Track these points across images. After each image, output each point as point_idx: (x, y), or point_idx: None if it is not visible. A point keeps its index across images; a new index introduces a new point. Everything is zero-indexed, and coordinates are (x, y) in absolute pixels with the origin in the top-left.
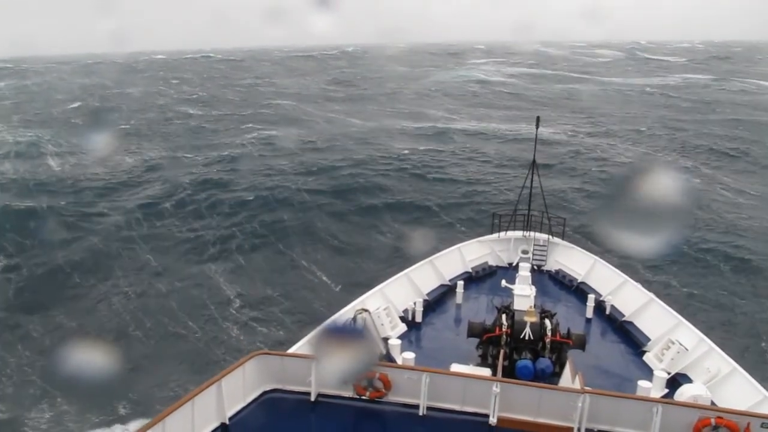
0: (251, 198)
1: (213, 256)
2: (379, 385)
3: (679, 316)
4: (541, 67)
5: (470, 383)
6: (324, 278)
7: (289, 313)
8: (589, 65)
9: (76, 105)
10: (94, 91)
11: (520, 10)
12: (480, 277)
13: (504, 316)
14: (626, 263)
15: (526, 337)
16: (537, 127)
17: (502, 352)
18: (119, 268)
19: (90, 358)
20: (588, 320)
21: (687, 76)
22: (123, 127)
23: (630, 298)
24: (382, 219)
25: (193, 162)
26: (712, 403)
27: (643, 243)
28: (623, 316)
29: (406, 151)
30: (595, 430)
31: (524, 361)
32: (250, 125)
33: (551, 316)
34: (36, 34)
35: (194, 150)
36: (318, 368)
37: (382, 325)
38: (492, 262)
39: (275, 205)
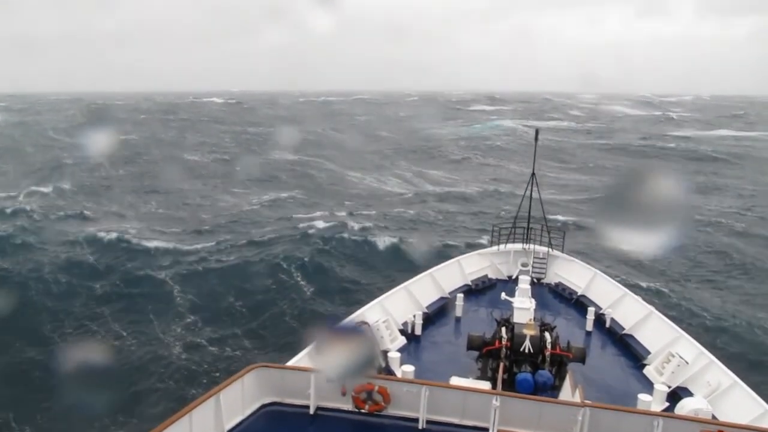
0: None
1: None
2: (378, 398)
3: (680, 329)
4: (561, 120)
5: (470, 396)
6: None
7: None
8: (615, 119)
9: (63, 145)
10: (91, 134)
11: (523, 65)
12: (479, 290)
13: (504, 329)
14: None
15: (526, 350)
16: (536, 140)
17: (501, 365)
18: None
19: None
20: (588, 333)
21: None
22: (110, 179)
23: (630, 311)
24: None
25: (176, 214)
26: (713, 416)
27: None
28: (623, 329)
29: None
30: None
31: (524, 374)
32: (243, 171)
33: (551, 329)
34: (49, 71)
35: (178, 205)
36: (317, 381)
37: (382, 337)
38: (491, 275)
39: (271, 249)
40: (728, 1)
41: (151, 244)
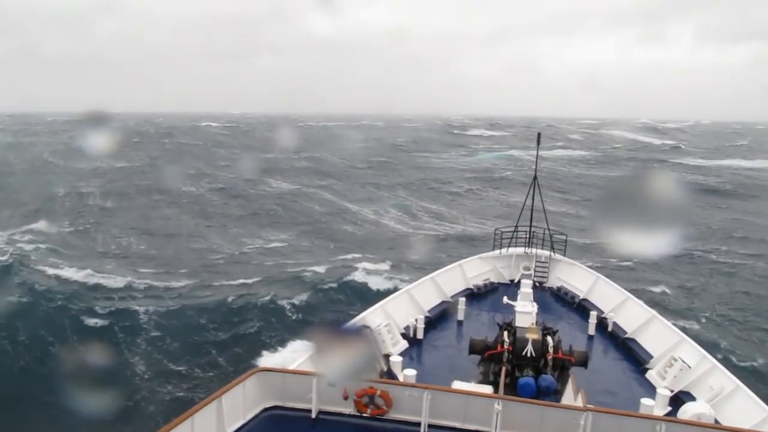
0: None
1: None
2: (380, 402)
3: (682, 334)
4: (565, 147)
5: (472, 401)
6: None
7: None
8: (618, 146)
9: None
10: (85, 159)
11: (523, 89)
12: (482, 294)
13: (506, 333)
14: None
15: (528, 354)
16: (538, 144)
17: (503, 369)
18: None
19: None
20: (590, 337)
21: None
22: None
23: (632, 315)
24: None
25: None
26: (716, 421)
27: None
28: (625, 333)
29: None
30: None
31: (526, 379)
32: (238, 204)
33: (553, 333)
34: (48, 90)
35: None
36: (319, 385)
37: (384, 341)
38: (494, 279)
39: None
40: (726, 29)
41: (134, 284)
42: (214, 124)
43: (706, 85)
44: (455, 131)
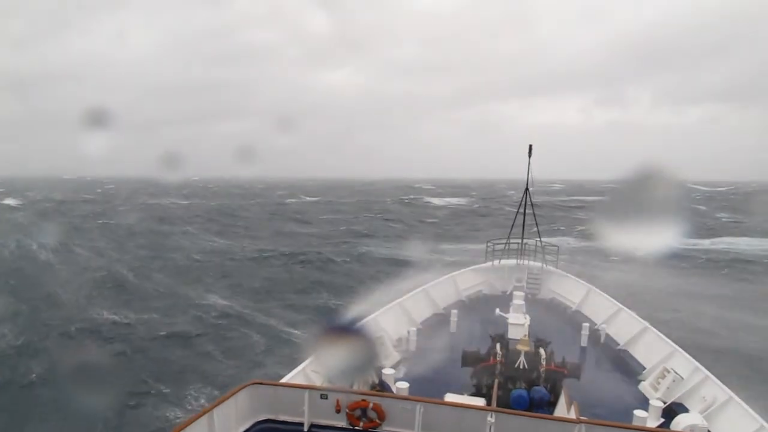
0: None
1: None
2: (372, 415)
3: (674, 345)
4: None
5: (465, 413)
6: None
7: None
8: None
9: None
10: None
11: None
12: (474, 306)
13: (498, 345)
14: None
15: (521, 366)
16: (530, 155)
17: (496, 381)
18: None
19: None
20: (583, 349)
21: None
22: None
23: (625, 326)
24: None
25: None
26: None
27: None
28: (618, 344)
29: None
30: None
31: (519, 391)
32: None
33: (546, 345)
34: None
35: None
36: (311, 398)
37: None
38: (486, 291)
39: None
40: (682, 91)
41: None
42: (165, 202)
43: (662, 145)
44: (419, 203)
